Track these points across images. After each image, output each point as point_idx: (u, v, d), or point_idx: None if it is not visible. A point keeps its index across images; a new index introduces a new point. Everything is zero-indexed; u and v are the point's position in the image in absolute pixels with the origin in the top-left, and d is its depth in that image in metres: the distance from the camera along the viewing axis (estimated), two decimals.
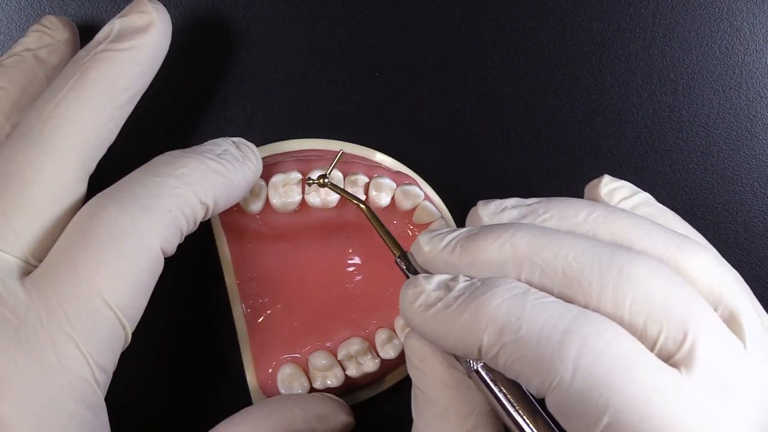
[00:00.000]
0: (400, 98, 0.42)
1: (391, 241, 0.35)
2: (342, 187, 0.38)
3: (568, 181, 0.41)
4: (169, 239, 0.32)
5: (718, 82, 0.42)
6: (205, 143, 0.36)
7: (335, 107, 0.42)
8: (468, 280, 0.31)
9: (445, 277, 0.32)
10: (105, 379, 0.32)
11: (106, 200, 0.32)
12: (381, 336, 0.39)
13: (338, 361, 0.39)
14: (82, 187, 0.33)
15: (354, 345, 0.39)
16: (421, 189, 0.39)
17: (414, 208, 0.38)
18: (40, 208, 0.32)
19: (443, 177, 0.41)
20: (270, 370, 0.39)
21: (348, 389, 0.40)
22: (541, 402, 0.30)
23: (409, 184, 0.38)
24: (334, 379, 0.38)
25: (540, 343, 0.28)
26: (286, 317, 0.40)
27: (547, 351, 0.28)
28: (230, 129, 0.41)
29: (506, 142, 0.42)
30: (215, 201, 0.34)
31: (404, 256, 0.34)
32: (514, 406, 0.30)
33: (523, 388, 0.31)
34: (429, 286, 0.31)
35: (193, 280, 0.41)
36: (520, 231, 0.31)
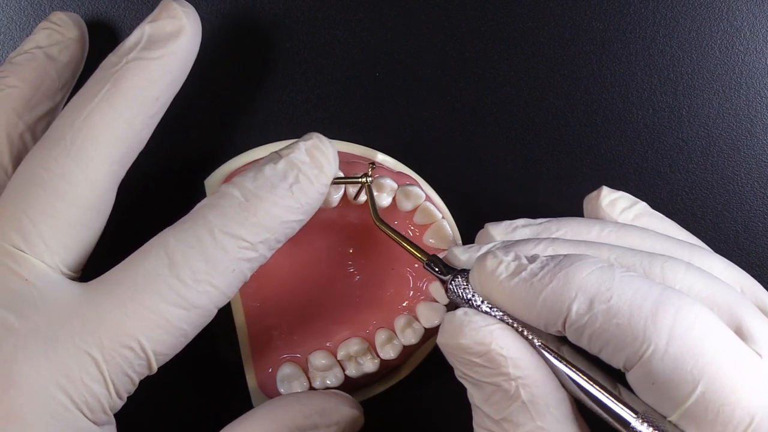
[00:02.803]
0: (400, 98, 0.42)
1: (416, 249, 0.35)
2: (343, 187, 0.38)
3: (568, 181, 0.41)
4: (229, 294, 0.32)
5: (718, 82, 0.42)
6: (281, 163, 0.33)
7: (335, 107, 0.42)
8: (548, 255, 0.31)
9: (519, 251, 0.31)
10: (120, 405, 0.32)
11: (172, 241, 0.31)
12: (381, 336, 0.39)
13: (338, 361, 0.39)
14: (112, 196, 0.33)
15: (354, 345, 0.39)
16: (422, 190, 0.39)
17: (415, 209, 0.38)
18: (72, 218, 0.32)
19: (443, 177, 0.41)
20: (270, 370, 0.39)
21: (347, 389, 0.40)
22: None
23: (411, 184, 0.38)
24: (333, 379, 0.38)
25: (633, 311, 0.28)
26: (285, 317, 0.40)
27: (640, 319, 0.28)
28: (230, 129, 0.41)
29: (506, 142, 0.42)
30: (285, 240, 0.33)
31: (432, 259, 0.34)
32: (593, 379, 0.30)
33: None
34: (507, 257, 0.31)
35: None
36: (557, 241, 0.32)
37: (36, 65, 0.36)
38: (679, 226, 0.36)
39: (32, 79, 0.36)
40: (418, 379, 0.41)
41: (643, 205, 0.37)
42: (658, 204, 0.41)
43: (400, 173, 0.40)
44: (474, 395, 0.32)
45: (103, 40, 0.41)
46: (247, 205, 0.32)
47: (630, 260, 0.31)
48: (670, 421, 0.29)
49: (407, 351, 0.39)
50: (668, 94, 0.42)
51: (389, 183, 0.38)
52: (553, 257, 0.30)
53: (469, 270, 0.32)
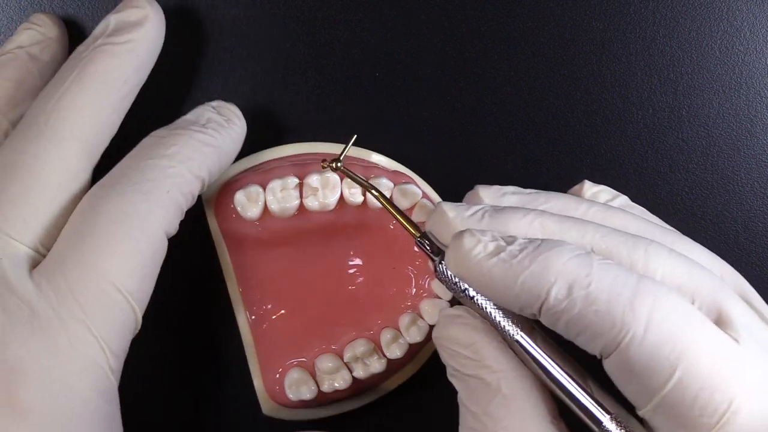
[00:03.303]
0: (400, 98, 0.42)
1: (409, 223, 0.35)
2: (340, 189, 0.38)
3: (568, 181, 0.41)
4: (170, 220, 0.33)
5: (718, 82, 0.42)
6: (187, 115, 0.36)
7: (335, 107, 0.42)
8: (526, 239, 0.31)
9: (495, 233, 0.32)
10: (117, 366, 0.32)
11: (105, 189, 0.32)
12: (386, 336, 0.39)
13: (345, 363, 0.39)
14: (86, 178, 0.34)
15: (360, 346, 0.39)
16: (418, 187, 0.39)
17: (412, 207, 0.38)
18: (48, 197, 0.33)
19: (443, 177, 0.41)
20: (277, 375, 0.39)
21: (355, 391, 0.40)
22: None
23: (407, 182, 0.38)
24: (341, 381, 0.38)
25: (611, 298, 0.29)
26: (290, 322, 0.40)
27: (618, 306, 0.29)
28: None
29: (506, 142, 0.42)
30: (209, 173, 0.35)
31: (425, 235, 0.34)
32: (564, 370, 0.31)
33: (560, 360, 0.31)
34: (485, 237, 0.31)
35: (196, 289, 0.41)
36: (547, 213, 0.32)
37: (18, 64, 0.37)
38: (661, 221, 0.37)
39: (15, 78, 0.37)
40: (425, 377, 0.41)
41: (624, 198, 0.37)
42: (658, 204, 0.41)
43: (395, 172, 0.40)
44: (460, 392, 0.33)
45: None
46: (162, 141, 0.34)
47: (614, 240, 0.31)
48: (641, 419, 0.30)
49: (413, 349, 0.39)
50: (668, 94, 0.42)
51: (385, 182, 0.38)
52: (531, 240, 0.30)
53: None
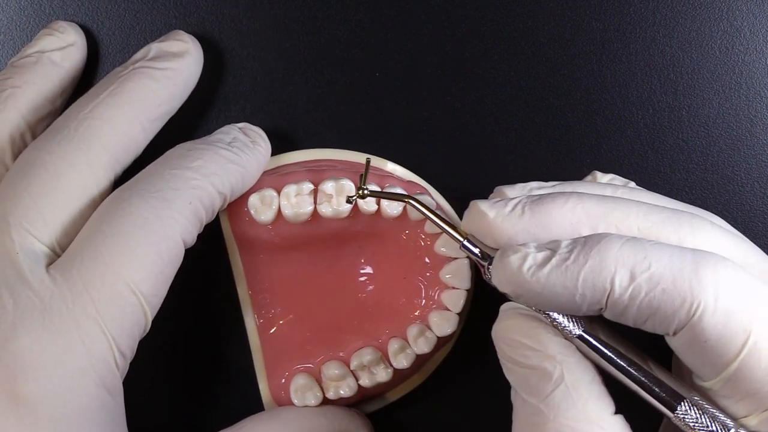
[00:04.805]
0: (400, 98, 0.42)
1: (453, 229, 0.34)
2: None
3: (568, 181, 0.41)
4: (189, 230, 0.33)
5: (718, 82, 0.42)
6: (215, 133, 0.37)
7: (335, 107, 0.42)
8: (570, 240, 0.31)
9: (538, 245, 0.31)
10: (124, 365, 0.32)
11: (128, 193, 0.33)
12: (393, 346, 0.38)
13: (351, 371, 0.39)
14: (108, 187, 0.34)
15: (367, 355, 0.38)
16: (432, 198, 0.39)
17: (425, 218, 0.38)
18: (70, 198, 0.33)
19: (443, 177, 0.41)
20: (283, 381, 0.39)
21: (360, 399, 0.40)
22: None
23: (421, 193, 0.38)
24: (347, 389, 0.38)
25: (675, 274, 0.29)
26: (298, 327, 0.40)
27: (684, 281, 0.29)
28: None
29: (506, 142, 0.42)
30: (232, 189, 0.35)
31: (470, 241, 0.33)
32: (631, 360, 0.31)
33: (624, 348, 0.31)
34: (530, 249, 0.31)
35: (206, 290, 0.41)
36: (585, 195, 0.32)
37: (39, 69, 0.37)
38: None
39: (35, 82, 0.37)
40: (431, 388, 0.41)
41: (633, 184, 0.37)
42: None
43: (410, 182, 0.40)
44: (518, 386, 0.32)
45: (101, 47, 0.41)
46: (188, 154, 0.34)
47: (658, 217, 0.31)
48: (709, 400, 0.30)
49: (420, 360, 0.39)
50: (668, 94, 0.42)
51: (399, 192, 0.38)
52: (575, 240, 0.30)
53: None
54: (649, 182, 0.42)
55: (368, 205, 0.38)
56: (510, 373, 0.32)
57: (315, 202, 0.38)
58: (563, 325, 0.32)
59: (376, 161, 0.40)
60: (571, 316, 0.32)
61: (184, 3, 0.41)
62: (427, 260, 0.39)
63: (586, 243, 0.30)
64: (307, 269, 0.40)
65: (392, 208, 0.38)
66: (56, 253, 0.32)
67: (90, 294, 0.31)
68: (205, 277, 0.41)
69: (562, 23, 0.42)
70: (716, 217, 0.34)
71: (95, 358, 0.31)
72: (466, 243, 0.33)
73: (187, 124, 0.41)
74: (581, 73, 0.42)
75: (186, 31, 0.39)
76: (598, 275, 0.29)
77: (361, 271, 0.40)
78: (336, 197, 0.37)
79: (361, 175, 0.36)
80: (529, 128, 0.42)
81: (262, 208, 0.38)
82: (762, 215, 0.42)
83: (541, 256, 0.30)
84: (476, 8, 0.42)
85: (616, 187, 0.34)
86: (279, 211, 0.38)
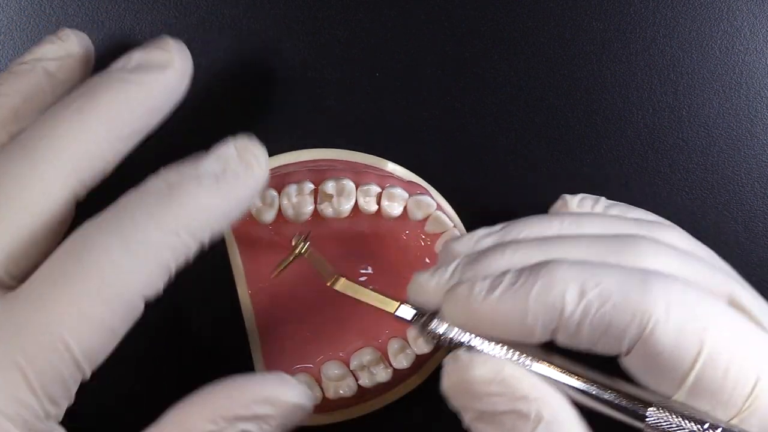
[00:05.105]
0: (400, 98, 0.42)
1: (382, 300, 0.34)
2: (355, 197, 0.38)
3: (568, 181, 0.41)
4: (153, 286, 0.30)
5: (718, 82, 0.42)
6: (208, 158, 0.33)
7: (335, 107, 0.42)
8: (518, 269, 0.30)
9: (485, 268, 0.31)
10: (57, 411, 0.30)
11: (92, 237, 0.30)
12: (393, 346, 0.39)
13: (351, 371, 0.39)
14: (67, 211, 0.32)
15: (366, 355, 0.38)
16: (433, 199, 0.39)
17: (426, 218, 0.38)
18: (19, 222, 0.31)
19: (443, 177, 0.41)
20: None
21: (360, 399, 0.40)
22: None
23: (421, 194, 0.38)
24: (346, 389, 0.38)
25: (624, 289, 0.29)
26: (298, 327, 0.40)
27: (634, 295, 0.29)
28: (229, 129, 0.41)
29: (506, 142, 0.42)
30: (212, 234, 0.32)
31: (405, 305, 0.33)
32: (588, 378, 0.30)
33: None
34: (477, 278, 0.30)
35: (205, 290, 0.41)
36: (522, 243, 0.32)
37: (31, 77, 0.35)
38: (645, 211, 0.37)
39: (24, 91, 0.35)
40: (431, 389, 0.41)
41: (603, 199, 0.37)
42: (657, 204, 0.41)
43: (410, 182, 0.40)
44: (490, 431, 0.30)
45: (101, 47, 0.41)
46: (170, 193, 0.31)
47: (600, 249, 0.31)
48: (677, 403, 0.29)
49: (420, 360, 0.39)
50: (668, 94, 0.42)
51: (400, 193, 0.38)
52: (521, 268, 0.30)
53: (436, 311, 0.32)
54: (649, 182, 0.42)
55: (368, 205, 0.38)
56: (477, 424, 0.31)
57: (315, 202, 0.38)
58: (518, 359, 0.30)
59: (377, 161, 0.40)
60: (525, 353, 0.31)
61: (184, 3, 0.41)
62: (427, 260, 0.39)
63: (534, 267, 0.30)
64: (307, 269, 0.40)
65: (393, 208, 0.38)
66: (3, 280, 0.31)
67: (23, 345, 0.29)
68: (205, 277, 0.41)
69: (562, 23, 0.42)
70: (674, 229, 0.33)
71: (22, 408, 0.29)
72: (397, 314, 0.33)
73: (187, 125, 0.41)
74: (581, 73, 0.42)
75: (186, 31, 0.39)
76: (549, 293, 0.29)
77: (362, 271, 0.40)
78: (337, 197, 0.37)
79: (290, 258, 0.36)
80: (529, 128, 0.42)
81: (263, 208, 0.38)
82: (762, 215, 0.42)
83: (488, 282, 0.30)
84: (476, 8, 0.42)
85: (563, 217, 0.33)
86: (280, 210, 0.38)
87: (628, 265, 0.30)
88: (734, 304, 0.30)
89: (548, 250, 0.31)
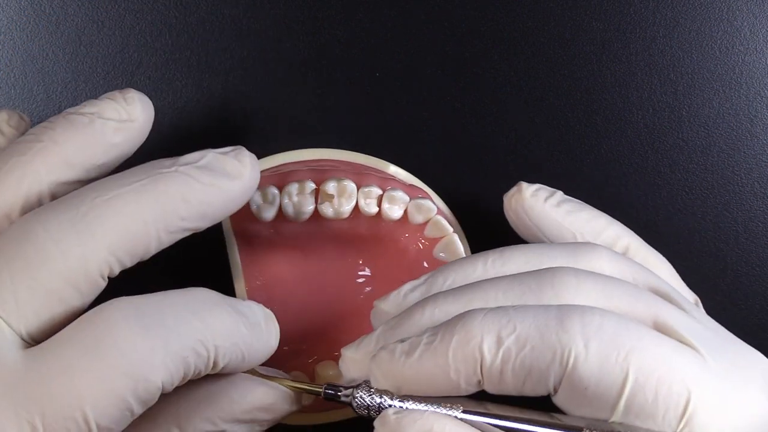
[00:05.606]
0: (400, 98, 0.42)
1: (307, 388, 0.33)
2: (356, 198, 0.38)
3: (568, 181, 0.41)
4: (172, 378, 0.30)
5: (718, 82, 0.42)
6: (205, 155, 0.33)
7: (335, 107, 0.42)
8: (436, 326, 0.30)
9: (406, 329, 0.31)
10: None
11: (128, 315, 0.30)
12: None
13: None
14: (100, 284, 0.31)
15: None
16: (433, 203, 0.39)
17: (426, 222, 0.38)
18: (52, 288, 0.30)
19: (443, 177, 0.41)
20: None
21: None
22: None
23: (422, 197, 0.38)
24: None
25: (541, 330, 0.29)
26: (294, 327, 0.40)
27: (551, 334, 0.29)
28: (229, 129, 0.41)
29: (506, 142, 0.42)
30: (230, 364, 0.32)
31: (331, 386, 0.33)
32: (518, 419, 0.30)
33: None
34: (396, 342, 0.31)
35: (203, 285, 0.41)
36: (440, 297, 0.32)
37: (86, 132, 0.34)
38: (598, 211, 0.37)
39: (76, 144, 0.34)
40: None
41: (560, 193, 0.37)
42: (658, 204, 0.41)
43: (412, 186, 0.40)
44: None
45: (101, 47, 0.41)
46: (209, 300, 0.32)
47: (518, 290, 0.31)
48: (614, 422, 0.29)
49: None
50: (668, 94, 0.42)
51: (401, 195, 0.38)
52: (439, 325, 0.30)
53: (366, 380, 0.32)
54: (649, 182, 0.42)
55: (369, 206, 0.38)
56: None
57: (316, 202, 0.38)
58: (447, 412, 0.30)
59: (378, 163, 0.40)
60: (456, 401, 0.30)
61: (184, 3, 0.41)
62: (425, 264, 0.39)
63: (450, 322, 0.30)
64: (306, 269, 0.40)
65: (393, 211, 0.38)
66: (25, 341, 0.30)
67: (43, 409, 0.28)
68: (203, 273, 0.41)
69: (562, 23, 0.42)
70: (600, 251, 0.33)
71: None
72: (325, 394, 0.33)
73: (187, 126, 0.41)
74: (581, 73, 0.42)
75: (186, 31, 0.39)
76: (466, 346, 0.29)
77: (360, 273, 0.40)
78: (337, 198, 0.37)
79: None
80: (529, 128, 0.42)
81: (263, 205, 0.38)
82: (762, 215, 0.42)
83: (408, 344, 0.30)
84: (476, 8, 0.42)
85: (486, 256, 0.34)
86: (280, 208, 0.38)
87: (547, 301, 0.31)
88: (660, 325, 0.30)
89: (469, 298, 0.31)
